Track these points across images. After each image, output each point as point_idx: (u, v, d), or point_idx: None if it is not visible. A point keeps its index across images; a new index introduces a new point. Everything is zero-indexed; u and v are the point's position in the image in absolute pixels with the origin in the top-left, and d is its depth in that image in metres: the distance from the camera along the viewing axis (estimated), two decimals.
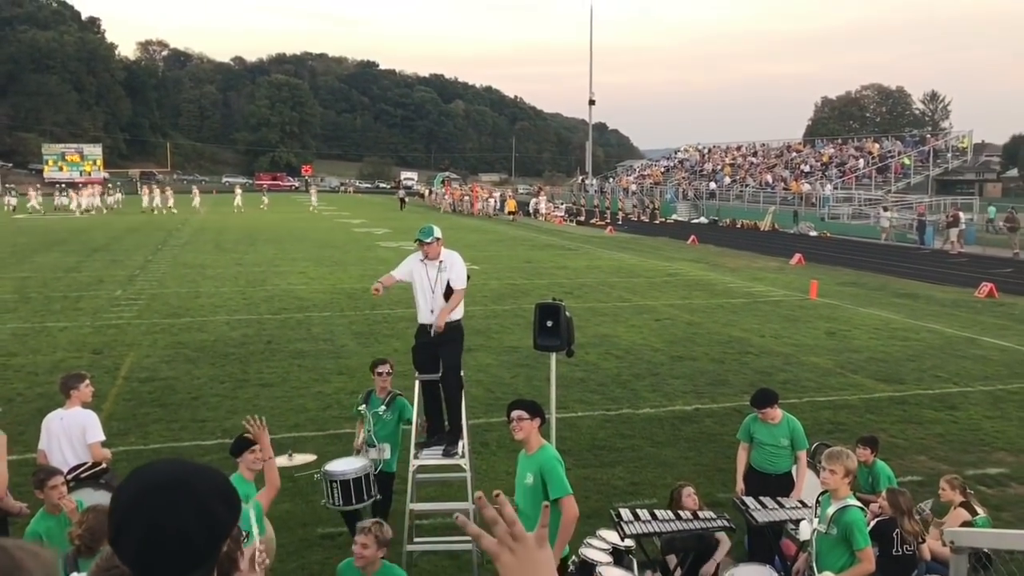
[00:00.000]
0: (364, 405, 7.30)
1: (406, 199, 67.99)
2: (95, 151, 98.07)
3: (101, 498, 6.27)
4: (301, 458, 6.82)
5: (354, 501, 6.71)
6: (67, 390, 6.83)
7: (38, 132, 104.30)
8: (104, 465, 6.85)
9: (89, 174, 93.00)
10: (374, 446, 7.14)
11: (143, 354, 13.97)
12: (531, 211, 58.16)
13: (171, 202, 56.36)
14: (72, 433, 6.74)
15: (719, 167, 63.29)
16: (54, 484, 5.56)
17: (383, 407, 7.30)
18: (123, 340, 15.07)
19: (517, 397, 6.27)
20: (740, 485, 7.00)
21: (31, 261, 26.78)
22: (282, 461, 6.44)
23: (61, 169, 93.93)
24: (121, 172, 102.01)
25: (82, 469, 6.68)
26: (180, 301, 19.39)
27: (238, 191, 60.62)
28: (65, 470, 6.25)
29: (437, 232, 7.39)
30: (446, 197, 67.67)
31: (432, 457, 7.25)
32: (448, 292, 7.38)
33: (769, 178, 54.42)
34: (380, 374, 7.42)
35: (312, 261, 27.74)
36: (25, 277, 23.03)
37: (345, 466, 6.83)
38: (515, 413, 5.51)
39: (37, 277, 23.09)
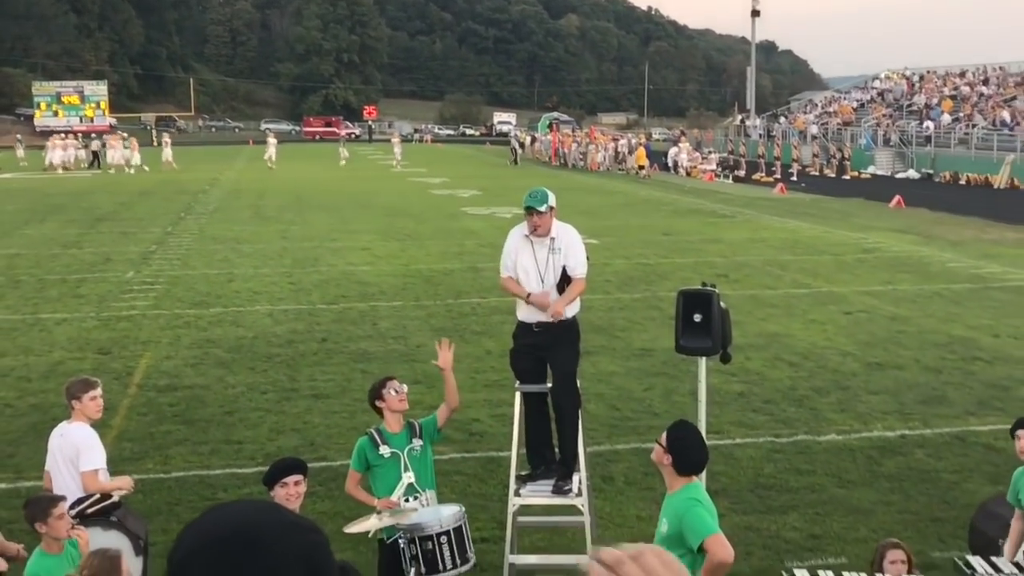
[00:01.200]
0: (383, 447, 6.69)
1: (518, 149, 67.69)
2: (99, 90, 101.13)
3: (111, 540, 6.58)
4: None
5: (469, 554, 6.32)
6: (70, 399, 7.13)
7: (26, 67, 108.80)
8: (116, 498, 7.16)
9: (91, 120, 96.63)
10: (416, 496, 6.65)
11: (162, 355, 14.53)
12: (670, 164, 57.72)
13: (136, 158, 55.62)
14: (69, 455, 7.02)
15: (935, 101, 61.46)
16: (60, 513, 5.78)
17: (413, 439, 6.79)
18: (137, 337, 15.71)
19: (657, 423, 6.26)
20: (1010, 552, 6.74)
21: (20, 234, 28.16)
22: (369, 523, 6.34)
23: (56, 114, 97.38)
24: (132, 116, 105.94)
25: (87, 503, 7.01)
26: (209, 286, 20.03)
27: (271, 140, 61.22)
28: (69, 499, 6.55)
29: (551, 199, 7.43)
30: (554, 146, 67.75)
31: (538, 495, 7.34)
32: (563, 282, 7.42)
33: (1007, 115, 52.49)
34: (390, 396, 6.83)
35: (378, 234, 28.23)
36: (13, 255, 24.25)
37: (435, 513, 6.44)
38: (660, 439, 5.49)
39: (28, 255, 24.28)
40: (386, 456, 6.68)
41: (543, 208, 7.33)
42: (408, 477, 6.65)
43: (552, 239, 7.41)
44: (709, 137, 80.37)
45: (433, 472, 6.88)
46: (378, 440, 6.72)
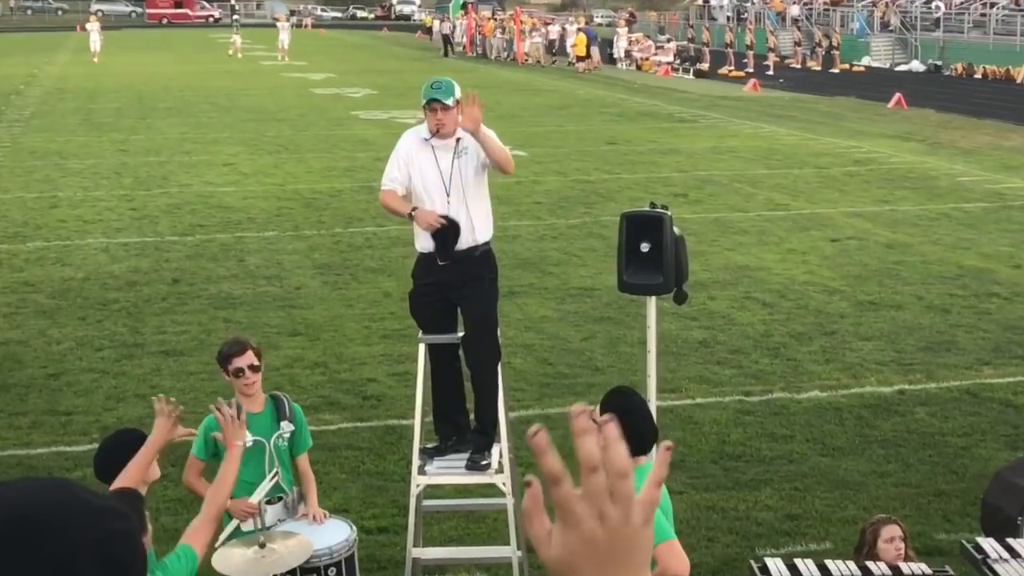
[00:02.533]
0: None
1: (450, 37, 66.52)
2: None
3: None
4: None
5: None
6: None
7: None
8: None
9: None
10: (281, 498, 6.54)
11: None
12: (615, 55, 57.66)
13: None
14: None
15: None
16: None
17: (281, 423, 6.63)
18: None
19: (603, 376, 6.27)
20: None
21: None
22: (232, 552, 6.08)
23: None
24: None
25: None
26: (26, 214, 19.70)
27: (91, 25, 59.75)
28: None
29: (458, 91, 7.39)
30: (470, 32, 67.33)
31: (449, 472, 7.36)
32: (475, 202, 7.41)
33: None
34: (242, 370, 6.52)
35: (245, 145, 27.94)
36: None
37: (333, 534, 6.41)
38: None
39: None
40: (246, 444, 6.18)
41: (449, 101, 7.27)
42: (274, 476, 6.41)
43: (458, 140, 7.37)
44: (664, 21, 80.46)
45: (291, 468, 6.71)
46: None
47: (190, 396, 10.71)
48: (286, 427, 6.61)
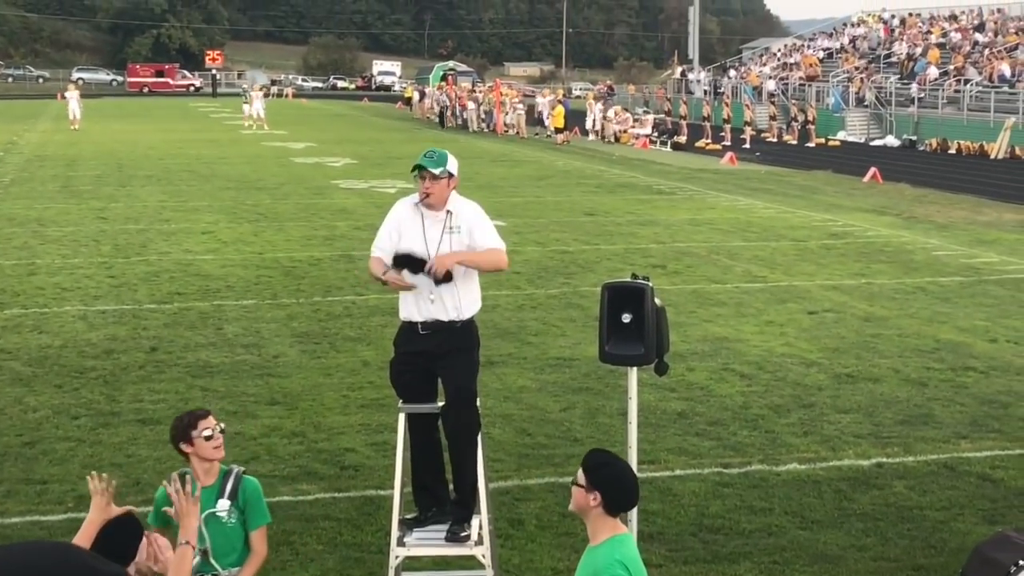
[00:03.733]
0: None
1: (433, 106, 66.31)
2: None
3: None
4: None
5: None
6: None
7: None
8: None
9: None
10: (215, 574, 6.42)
11: None
12: (591, 127, 58.04)
13: None
14: None
15: (919, 50, 62.79)
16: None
17: (222, 501, 6.50)
18: None
19: (578, 450, 6.26)
20: None
21: None
22: None
23: None
24: None
25: None
26: (3, 281, 19.66)
27: (70, 94, 59.72)
28: None
29: (452, 164, 7.45)
30: (452, 102, 67.69)
31: (428, 544, 7.31)
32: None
33: (1006, 69, 53.88)
34: (200, 441, 6.49)
35: (224, 213, 27.96)
36: None
37: None
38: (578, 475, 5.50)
39: None
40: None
41: (440, 171, 7.33)
42: (200, 548, 6.13)
43: (449, 213, 7.39)
44: (643, 94, 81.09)
45: (245, 549, 6.54)
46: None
47: (167, 465, 10.62)
48: (221, 505, 6.43)
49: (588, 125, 57.86)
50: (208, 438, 6.45)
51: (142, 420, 12.23)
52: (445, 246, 7.36)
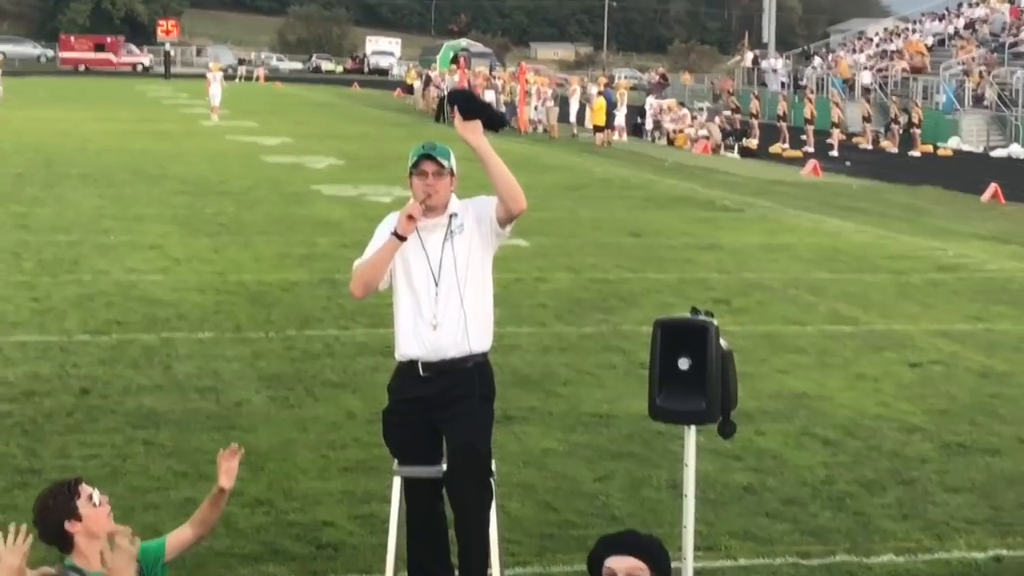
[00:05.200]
0: None
1: (441, 93, 66.97)
2: None
3: None
4: None
5: None
6: None
7: None
8: None
9: None
10: None
11: None
12: (644, 125, 58.10)
13: None
14: None
15: None
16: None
17: None
18: None
19: (621, 528, 6.23)
20: None
21: None
22: None
23: None
24: None
25: None
26: None
27: None
28: None
29: (454, 160, 7.61)
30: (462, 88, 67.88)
31: None
32: (469, 287, 7.48)
33: None
34: (89, 510, 6.55)
35: (178, 224, 27.99)
36: None
37: None
38: (624, 563, 5.49)
39: None
40: None
41: (446, 163, 7.46)
42: None
43: (452, 216, 7.45)
44: (704, 86, 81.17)
45: None
46: None
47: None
48: None
49: (646, 121, 58.00)
50: (98, 504, 6.44)
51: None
52: (448, 255, 7.40)
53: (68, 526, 6.35)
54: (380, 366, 15.60)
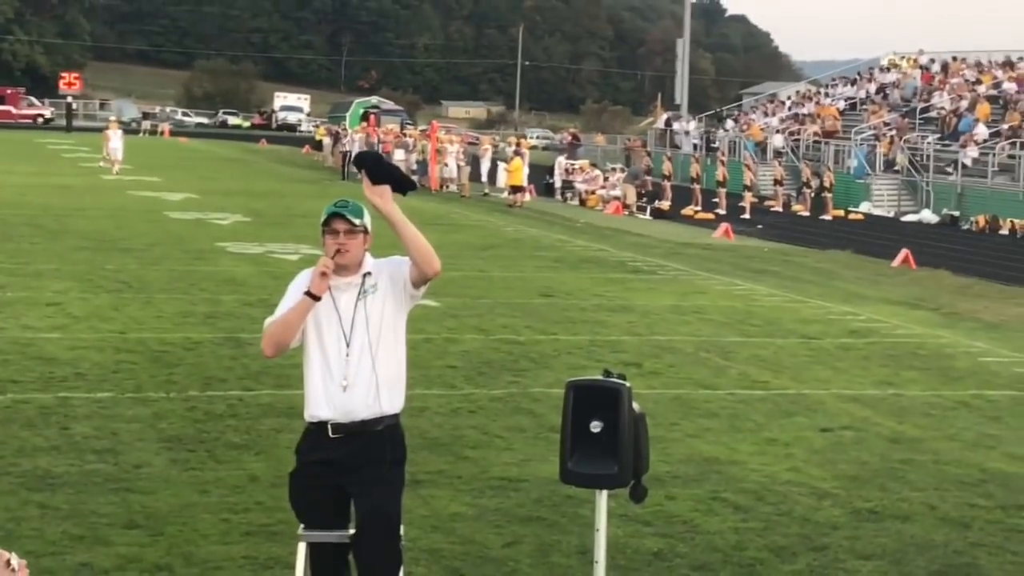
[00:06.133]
0: None
1: (344, 149, 66.85)
2: None
3: None
4: None
5: None
6: None
7: None
8: None
9: None
10: None
11: None
12: (553, 184, 58.34)
13: None
14: None
15: (963, 103, 63.68)
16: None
17: None
18: None
19: None
20: None
21: None
22: None
23: None
24: None
25: None
26: None
27: None
28: None
29: (367, 218, 7.67)
30: (370, 144, 67.97)
31: None
32: (380, 349, 7.51)
33: None
34: (11, 571, 6.13)
35: (77, 280, 27.79)
36: None
37: None
38: None
39: None
40: None
41: (358, 221, 7.51)
42: None
43: (366, 276, 7.48)
44: (617, 146, 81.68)
45: None
46: None
47: None
48: None
49: (553, 181, 58.25)
50: (14, 571, 6.31)
51: None
52: (360, 316, 7.42)
53: None
54: (285, 427, 15.54)
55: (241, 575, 11.49)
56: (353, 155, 67.19)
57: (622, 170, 61.81)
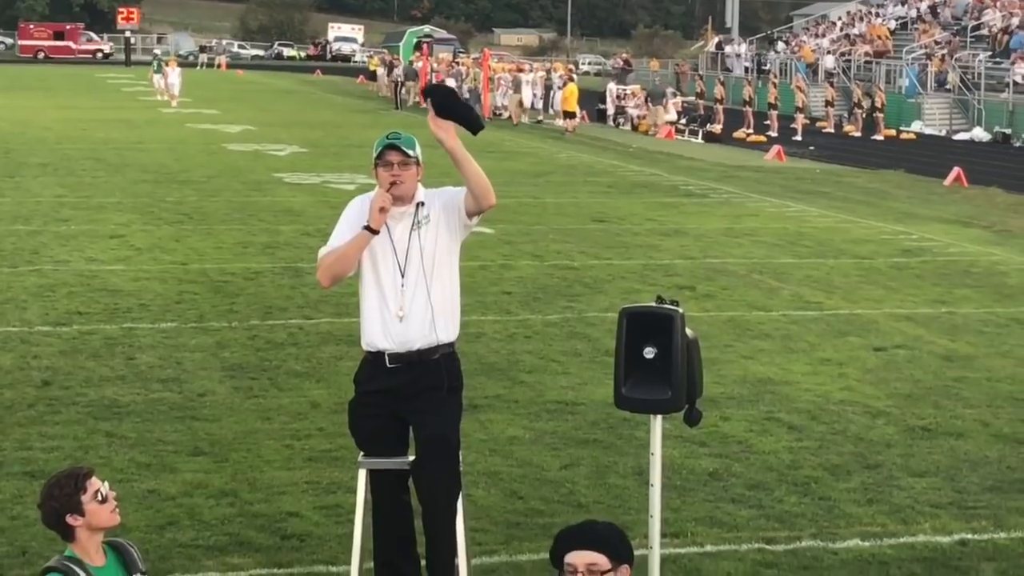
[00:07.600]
0: None
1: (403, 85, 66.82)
2: None
3: None
4: None
5: None
6: None
7: None
8: None
9: None
10: None
11: None
12: (607, 111, 58.09)
13: None
14: None
15: (1014, 20, 62.93)
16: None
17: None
18: None
19: (587, 516, 6.24)
20: None
21: None
22: None
23: None
24: None
25: None
26: None
27: None
28: None
29: (419, 149, 7.63)
30: (424, 79, 67.80)
31: None
32: (435, 280, 7.50)
33: None
34: (93, 506, 6.29)
35: (138, 212, 27.94)
36: None
37: None
38: (583, 558, 5.50)
39: None
40: None
41: (411, 152, 7.48)
42: None
43: (419, 205, 7.45)
44: (667, 70, 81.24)
45: None
46: None
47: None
48: None
49: (607, 107, 57.95)
50: (103, 500, 6.34)
51: (30, 473, 12.12)
52: (415, 247, 7.40)
53: (70, 519, 6.26)
54: (344, 355, 15.60)
55: (304, 500, 11.57)
56: (395, 85, 67.17)
57: (670, 95, 61.38)
